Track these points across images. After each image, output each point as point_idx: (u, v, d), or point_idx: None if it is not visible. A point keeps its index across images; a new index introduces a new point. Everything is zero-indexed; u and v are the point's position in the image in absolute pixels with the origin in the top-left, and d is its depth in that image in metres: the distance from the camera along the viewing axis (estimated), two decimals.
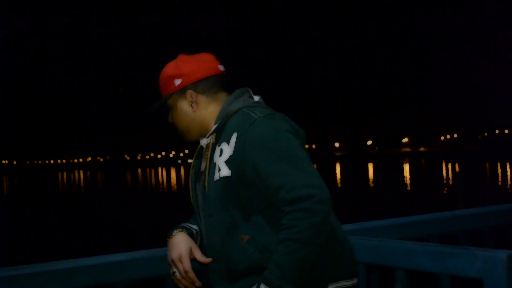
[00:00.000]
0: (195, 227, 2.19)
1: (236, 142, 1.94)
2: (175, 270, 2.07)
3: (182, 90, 2.12)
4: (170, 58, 2.19)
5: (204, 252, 2.11)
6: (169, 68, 2.13)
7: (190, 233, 2.15)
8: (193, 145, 2.26)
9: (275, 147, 1.87)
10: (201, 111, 2.12)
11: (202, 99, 2.12)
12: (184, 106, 2.12)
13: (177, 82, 2.11)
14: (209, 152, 2.07)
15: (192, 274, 2.05)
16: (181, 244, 2.08)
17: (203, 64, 2.13)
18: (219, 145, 2.02)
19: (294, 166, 1.83)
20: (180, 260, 2.05)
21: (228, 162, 1.96)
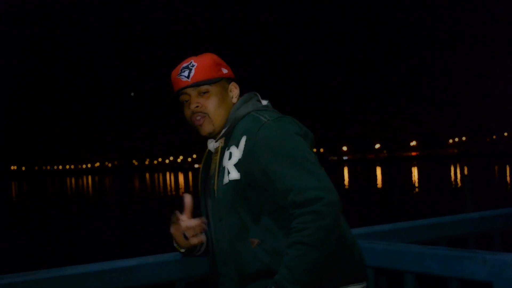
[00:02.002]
0: None
1: (245, 145, 1.96)
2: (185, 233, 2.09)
3: (228, 80, 2.17)
4: (179, 61, 2.20)
5: (214, 257, 2.12)
6: (214, 57, 2.17)
7: None
8: (202, 150, 2.26)
9: (284, 149, 1.89)
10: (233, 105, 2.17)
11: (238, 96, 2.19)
12: (227, 95, 2.15)
13: (225, 70, 2.16)
14: (218, 156, 2.08)
15: (194, 222, 2.07)
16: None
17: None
18: (228, 149, 2.03)
19: (303, 168, 1.85)
20: (179, 223, 2.08)
21: (237, 165, 1.97)
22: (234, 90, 2.18)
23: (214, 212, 2.08)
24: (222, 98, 2.13)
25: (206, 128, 2.11)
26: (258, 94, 2.20)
